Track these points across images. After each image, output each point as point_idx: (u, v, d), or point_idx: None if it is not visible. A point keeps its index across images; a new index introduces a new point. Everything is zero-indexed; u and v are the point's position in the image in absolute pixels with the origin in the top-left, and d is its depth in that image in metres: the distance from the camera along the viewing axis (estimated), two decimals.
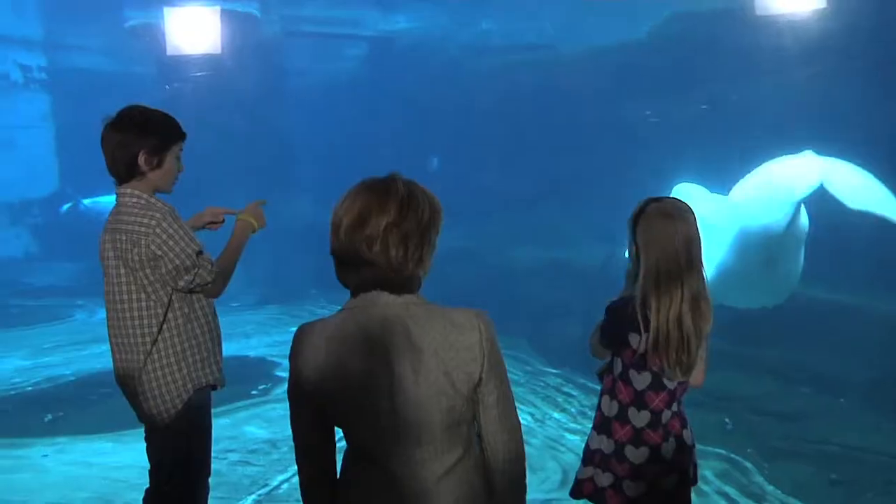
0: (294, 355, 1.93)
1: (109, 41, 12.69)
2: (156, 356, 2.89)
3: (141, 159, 2.81)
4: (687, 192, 7.19)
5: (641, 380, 2.57)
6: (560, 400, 6.99)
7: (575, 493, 2.77)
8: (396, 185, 1.90)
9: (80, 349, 8.31)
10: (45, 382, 7.32)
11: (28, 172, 12.88)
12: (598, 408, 2.69)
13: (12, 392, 7.06)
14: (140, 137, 2.81)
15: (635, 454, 2.57)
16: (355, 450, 1.95)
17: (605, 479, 2.63)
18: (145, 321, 2.86)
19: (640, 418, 2.57)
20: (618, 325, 2.57)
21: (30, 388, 7.19)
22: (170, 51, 9.64)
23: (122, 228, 2.81)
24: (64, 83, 13.23)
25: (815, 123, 7.30)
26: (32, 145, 12.99)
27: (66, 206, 12.24)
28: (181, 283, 2.83)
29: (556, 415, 6.59)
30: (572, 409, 6.77)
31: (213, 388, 3.10)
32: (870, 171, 6.29)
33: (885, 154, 6.65)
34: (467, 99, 10.84)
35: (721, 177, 7.87)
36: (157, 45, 10.15)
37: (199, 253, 2.83)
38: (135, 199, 2.83)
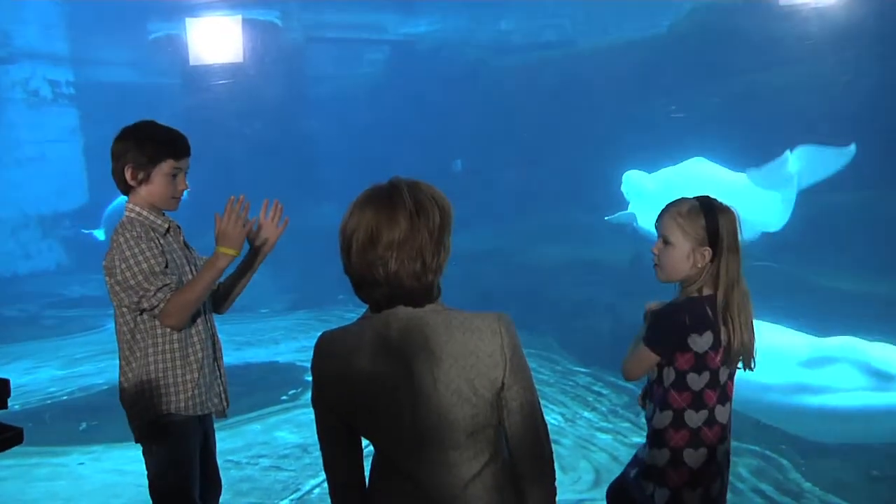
0: (315, 364, 1.93)
1: (134, 54, 12.86)
2: (129, 374, 2.91)
3: (127, 173, 2.80)
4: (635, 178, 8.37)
5: (700, 380, 2.50)
6: (590, 399, 6.95)
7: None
8: (402, 195, 1.83)
9: (112, 359, 8.28)
10: (79, 392, 7.42)
11: (58, 186, 13.08)
12: (648, 421, 2.61)
13: (49, 401, 7.16)
14: (128, 151, 2.79)
15: (694, 457, 2.51)
16: (381, 458, 1.94)
17: (660, 497, 2.55)
18: (120, 336, 2.89)
19: (697, 418, 2.51)
20: (676, 330, 2.48)
21: (65, 398, 7.29)
22: (193, 61, 9.76)
23: (112, 243, 2.82)
24: (91, 97, 13.42)
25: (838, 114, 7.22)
26: (62, 159, 13.18)
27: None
28: (126, 302, 2.77)
29: (586, 414, 6.55)
30: (603, 408, 6.72)
31: (199, 417, 2.93)
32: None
33: None
34: (489, 99, 10.83)
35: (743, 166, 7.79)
36: (180, 56, 10.28)
37: (155, 274, 2.72)
38: (132, 215, 2.83)
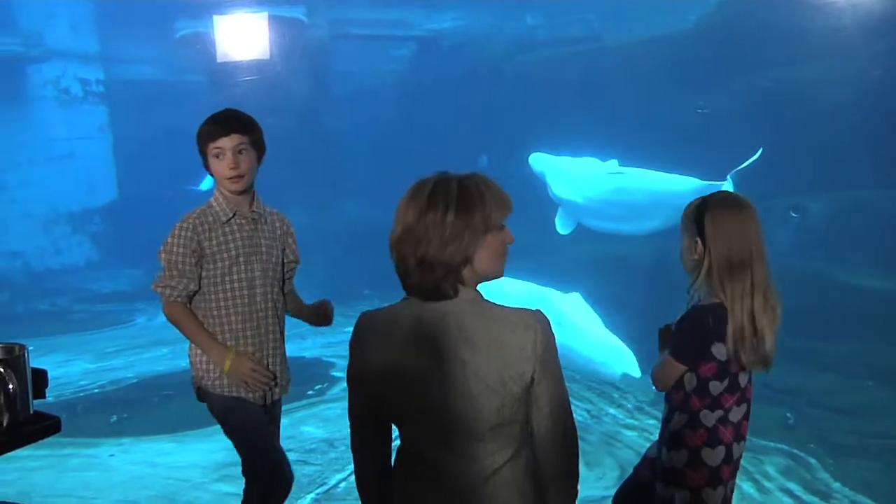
0: (353, 341, 1.96)
1: (162, 52, 12.98)
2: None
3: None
4: (542, 160, 9.70)
5: (720, 386, 2.50)
6: (616, 396, 6.93)
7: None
8: (444, 187, 1.86)
9: (142, 352, 8.54)
10: (109, 385, 7.54)
11: (88, 182, 13.26)
12: (665, 423, 2.60)
13: (81, 394, 7.28)
14: (197, 140, 3.00)
15: (712, 455, 2.50)
16: (406, 444, 1.96)
17: (680, 499, 2.54)
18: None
19: (711, 417, 2.50)
20: (700, 339, 2.47)
21: (96, 391, 7.41)
22: (220, 58, 9.84)
23: None
24: (120, 95, 13.58)
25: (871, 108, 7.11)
26: (91, 156, 13.35)
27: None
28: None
29: (612, 410, 6.53)
30: (628, 405, 6.70)
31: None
32: None
33: None
34: (515, 95, 10.79)
35: (773, 166, 7.72)
36: (207, 54, 10.36)
37: (171, 268, 2.91)
38: (210, 199, 3.03)
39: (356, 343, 1.95)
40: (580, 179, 9.31)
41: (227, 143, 2.90)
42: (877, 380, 6.37)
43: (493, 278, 1.94)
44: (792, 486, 5.08)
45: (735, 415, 2.53)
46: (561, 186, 9.53)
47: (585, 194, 9.30)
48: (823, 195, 7.80)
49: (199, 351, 3.01)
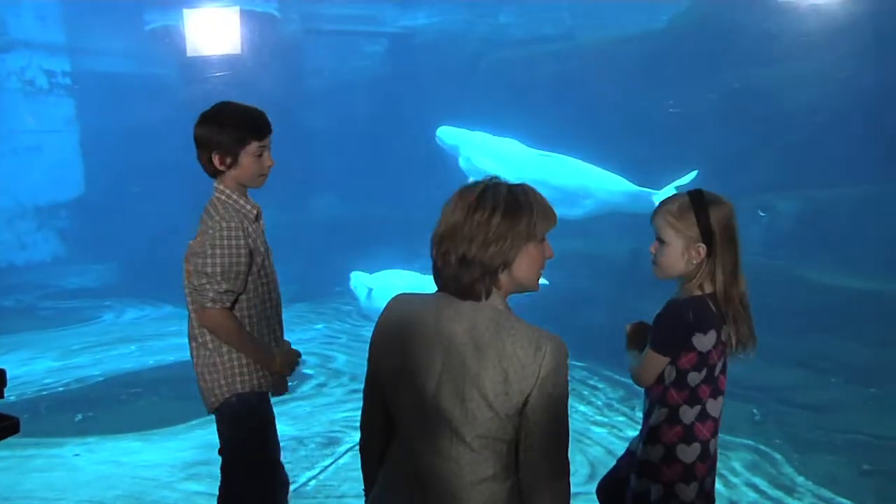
0: (380, 318, 2.00)
1: (131, 44, 12.79)
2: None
3: (215, 160, 2.84)
4: (452, 133, 9.81)
5: (699, 377, 2.50)
6: (586, 393, 6.97)
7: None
8: (494, 190, 1.90)
9: (109, 350, 8.41)
10: (74, 383, 7.41)
11: (54, 176, 13.04)
12: (645, 419, 2.61)
13: (44, 392, 7.16)
14: (212, 137, 2.83)
15: (687, 452, 2.51)
16: (398, 431, 1.99)
17: (655, 493, 2.55)
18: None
19: (690, 414, 2.51)
20: (681, 330, 2.46)
21: (61, 389, 7.28)
22: (190, 52, 9.71)
23: (203, 227, 2.85)
24: (87, 87, 13.37)
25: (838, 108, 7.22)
26: (58, 149, 13.14)
27: None
28: (195, 283, 2.82)
29: (581, 407, 6.57)
30: (598, 402, 6.74)
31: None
32: None
33: None
34: (488, 92, 10.81)
35: (742, 165, 7.82)
36: (177, 47, 10.23)
37: (226, 273, 2.78)
38: (223, 198, 2.87)
39: (380, 322, 2.00)
40: (501, 156, 9.40)
41: (269, 141, 2.90)
42: (841, 376, 6.48)
43: (528, 290, 1.96)
44: (758, 480, 5.15)
45: (714, 408, 2.54)
46: (478, 160, 9.56)
47: (505, 171, 9.48)
48: (791, 194, 7.91)
49: (233, 356, 2.90)
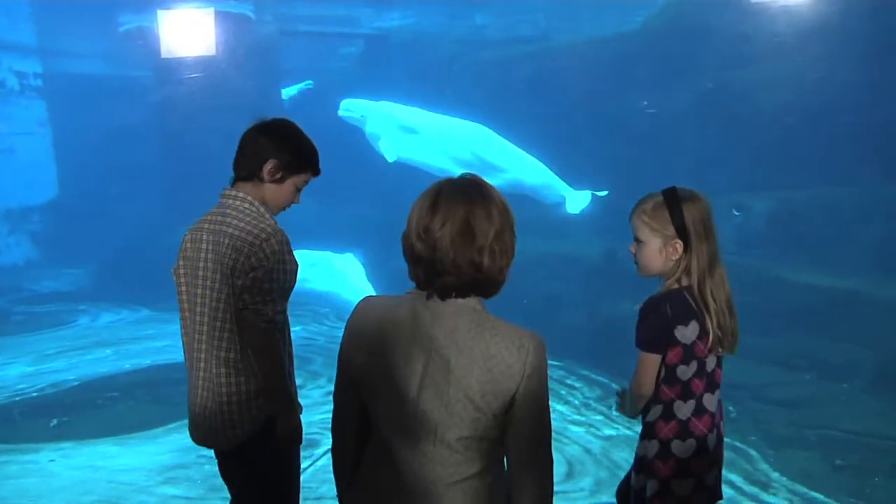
0: (350, 322, 1.97)
1: (104, 46, 12.68)
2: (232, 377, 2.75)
3: (268, 166, 2.74)
4: (355, 105, 10.28)
5: (689, 370, 2.51)
6: (563, 392, 7.00)
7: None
8: (491, 190, 1.89)
9: (84, 354, 8.31)
10: (49, 388, 7.31)
11: (27, 178, 12.88)
12: (643, 416, 2.61)
13: (18, 398, 7.06)
14: (278, 147, 2.75)
15: (682, 448, 2.53)
16: (375, 434, 1.96)
17: (650, 488, 2.56)
18: (226, 331, 2.72)
19: (685, 409, 2.52)
20: (661, 323, 2.48)
21: (35, 394, 7.19)
22: (165, 54, 9.63)
23: (228, 232, 2.68)
24: (60, 89, 13.22)
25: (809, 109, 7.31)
26: (31, 151, 12.98)
27: None
28: (251, 303, 2.65)
29: (559, 407, 6.60)
30: (575, 401, 6.78)
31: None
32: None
33: None
34: (464, 94, 10.83)
35: (716, 165, 7.90)
36: (152, 49, 10.15)
37: (284, 291, 2.70)
38: (247, 205, 2.74)
39: (352, 325, 1.96)
40: (406, 124, 9.84)
41: (309, 179, 2.86)
42: (815, 373, 6.58)
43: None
44: (733, 477, 5.20)
45: (710, 402, 2.56)
46: (383, 129, 9.94)
47: (410, 138, 9.81)
48: (765, 194, 8.01)
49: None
